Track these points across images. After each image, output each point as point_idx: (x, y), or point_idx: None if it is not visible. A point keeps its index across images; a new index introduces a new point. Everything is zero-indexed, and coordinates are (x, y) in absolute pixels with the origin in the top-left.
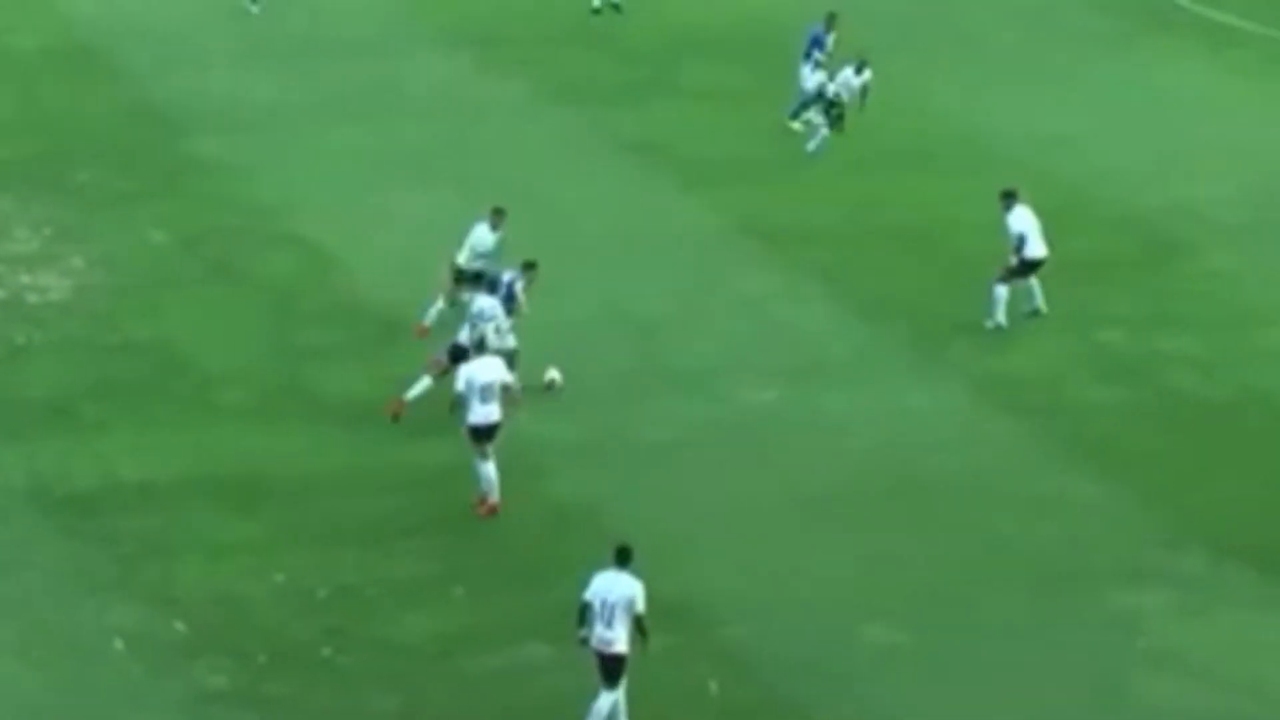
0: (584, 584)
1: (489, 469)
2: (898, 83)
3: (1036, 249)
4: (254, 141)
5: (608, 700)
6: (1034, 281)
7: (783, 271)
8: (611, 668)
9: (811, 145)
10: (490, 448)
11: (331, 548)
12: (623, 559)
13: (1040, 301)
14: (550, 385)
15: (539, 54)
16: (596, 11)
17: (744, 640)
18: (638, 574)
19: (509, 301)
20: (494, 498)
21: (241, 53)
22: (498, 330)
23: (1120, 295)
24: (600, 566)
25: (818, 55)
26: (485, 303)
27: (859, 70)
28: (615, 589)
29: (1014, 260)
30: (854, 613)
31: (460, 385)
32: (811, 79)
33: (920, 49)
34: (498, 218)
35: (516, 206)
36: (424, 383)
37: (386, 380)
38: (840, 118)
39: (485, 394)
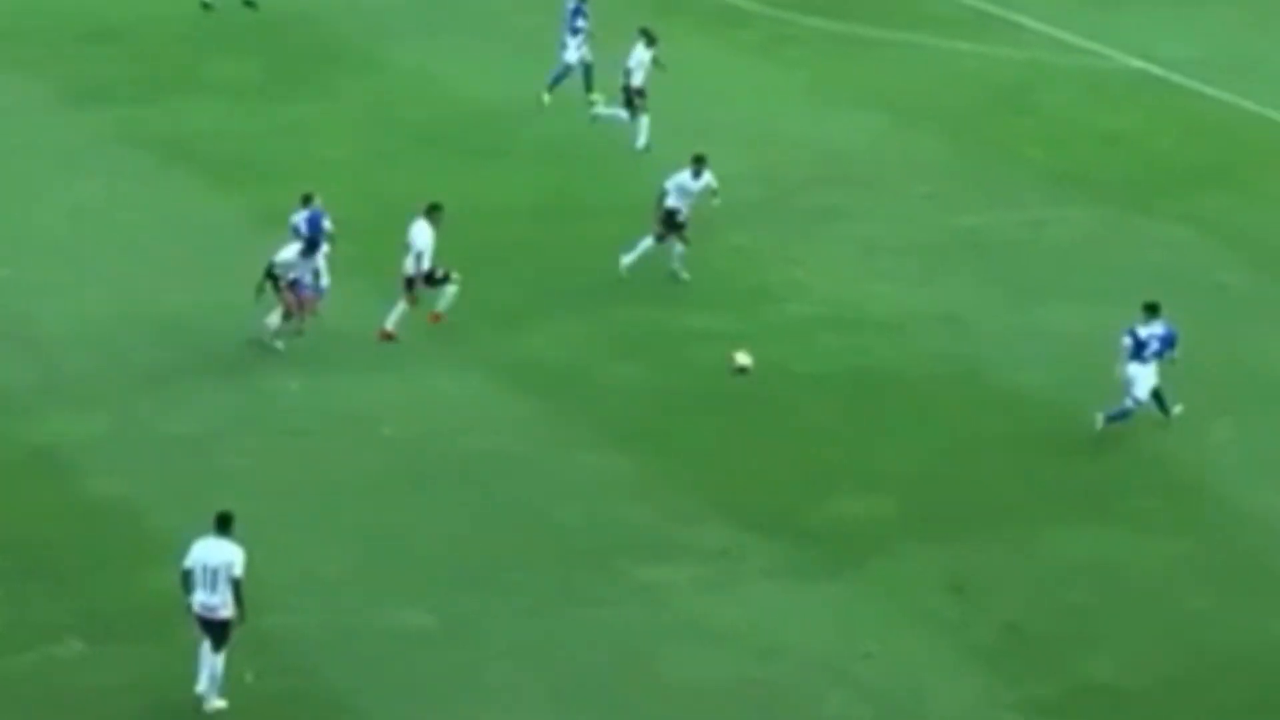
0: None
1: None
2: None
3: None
4: None
5: (215, 660)
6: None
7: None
8: (217, 633)
9: (641, 141)
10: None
11: None
12: (223, 526)
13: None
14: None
15: (60, 53)
16: (206, 6)
17: (278, 628)
18: (238, 541)
19: None
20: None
21: None
22: None
23: (640, 273)
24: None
25: (580, 25)
26: None
27: (649, 44)
28: (215, 555)
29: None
30: (385, 598)
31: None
32: (574, 51)
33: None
34: None
35: (38, 207)
36: None
37: None
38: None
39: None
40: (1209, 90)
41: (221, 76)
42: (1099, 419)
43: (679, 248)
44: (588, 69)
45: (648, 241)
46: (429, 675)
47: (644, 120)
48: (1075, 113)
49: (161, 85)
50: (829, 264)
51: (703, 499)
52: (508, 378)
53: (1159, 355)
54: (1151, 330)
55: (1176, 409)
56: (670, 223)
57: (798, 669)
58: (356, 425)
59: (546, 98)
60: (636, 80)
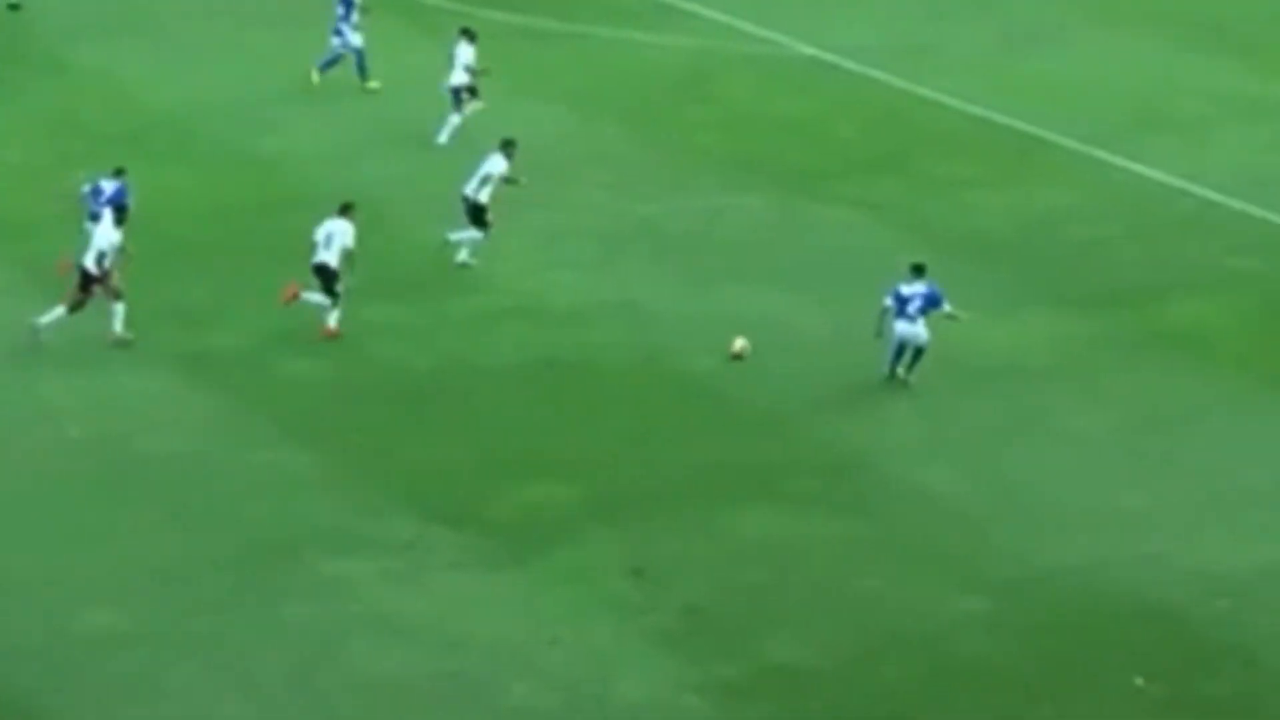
0: None
1: None
2: (94, 69)
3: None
4: None
5: None
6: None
7: (7, 266)
8: None
9: (443, 136)
10: None
11: None
12: None
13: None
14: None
15: None
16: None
17: None
18: None
19: None
20: None
21: None
22: None
23: None
24: None
25: (354, 16)
26: None
27: (471, 41)
28: None
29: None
30: (73, 599)
31: None
32: (354, 37)
33: (108, 34)
34: None
35: None
36: None
37: None
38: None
39: None
40: (882, 76)
41: None
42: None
43: (476, 235)
44: (338, 55)
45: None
46: (119, 676)
47: (455, 119)
48: (751, 101)
49: None
50: (510, 255)
51: (387, 492)
52: (191, 376)
53: (923, 313)
54: (914, 289)
55: (911, 377)
56: (473, 211)
57: (485, 658)
58: (43, 426)
59: (373, 84)
60: (460, 78)
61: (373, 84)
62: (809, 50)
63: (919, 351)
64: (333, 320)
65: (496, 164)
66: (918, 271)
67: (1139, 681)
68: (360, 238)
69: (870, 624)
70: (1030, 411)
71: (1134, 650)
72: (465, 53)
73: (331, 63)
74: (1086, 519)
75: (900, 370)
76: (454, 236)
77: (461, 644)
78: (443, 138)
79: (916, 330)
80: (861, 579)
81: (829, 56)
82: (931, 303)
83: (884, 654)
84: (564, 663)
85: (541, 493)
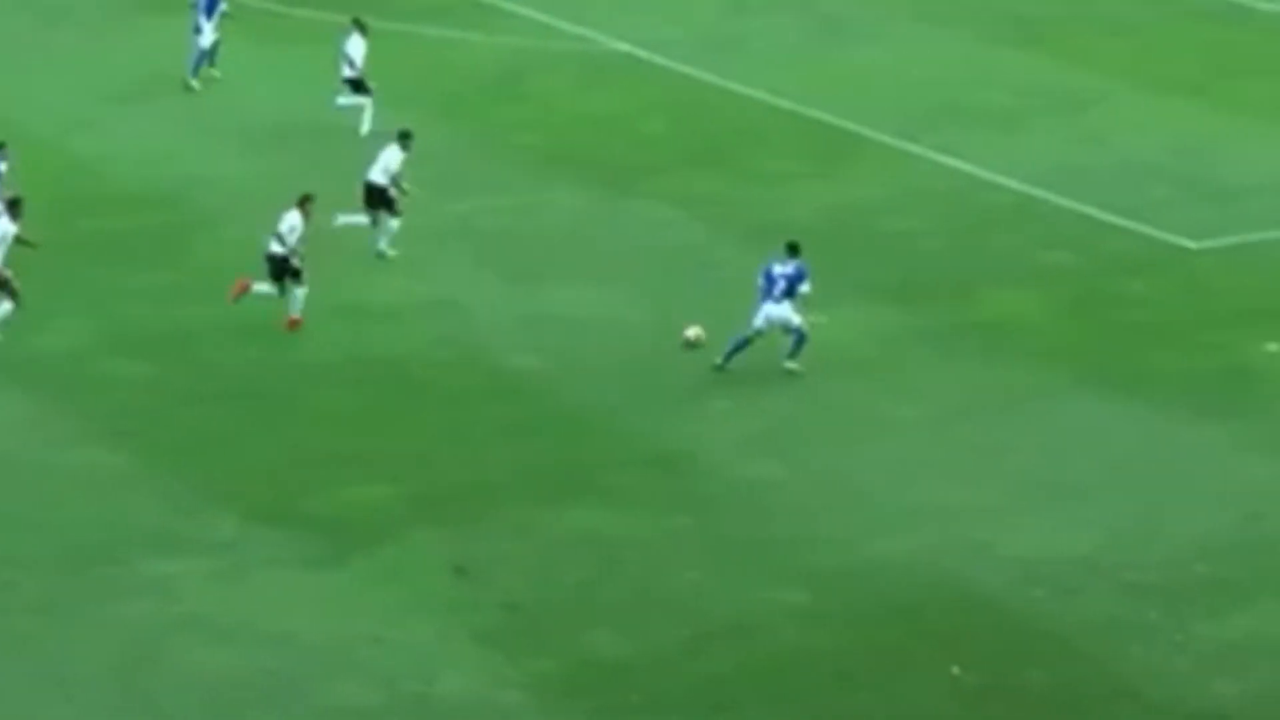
0: None
1: None
2: None
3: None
4: None
5: None
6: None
7: None
8: None
9: (365, 128)
10: None
11: None
12: None
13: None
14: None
15: None
16: None
17: None
18: None
19: None
20: None
21: None
22: None
23: (143, 270)
24: None
25: (222, 8)
26: None
27: (363, 34)
28: None
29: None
30: None
31: None
32: (209, 34)
33: None
34: None
35: None
36: None
37: None
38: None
39: None
40: (694, 72)
41: None
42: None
43: (392, 224)
44: (215, 46)
45: (361, 218)
46: None
47: (366, 102)
48: (566, 98)
49: None
50: (327, 253)
51: (208, 492)
52: (9, 377)
53: (789, 294)
54: (784, 269)
55: (796, 366)
56: (379, 200)
57: (308, 657)
58: None
59: (194, 83)
60: (352, 72)
61: (195, 83)
62: (623, 47)
63: (800, 338)
64: (296, 309)
65: (394, 155)
66: (792, 250)
67: (956, 670)
68: (179, 237)
69: (691, 616)
70: (848, 404)
71: (951, 639)
72: (357, 44)
73: (201, 61)
74: (905, 510)
75: (787, 363)
76: (343, 219)
77: (283, 642)
78: (365, 128)
79: (782, 312)
80: (682, 572)
81: (642, 53)
82: (796, 281)
83: (705, 646)
84: (386, 660)
85: (363, 491)
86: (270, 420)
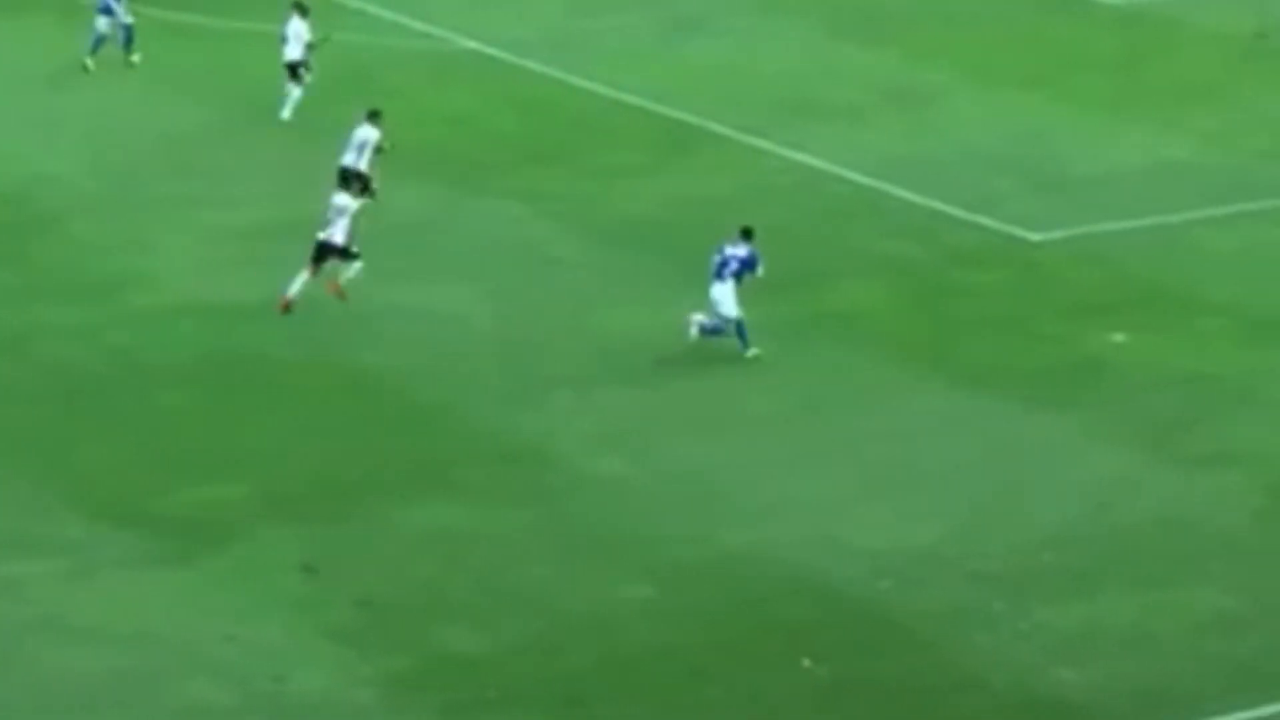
0: None
1: None
2: None
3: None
4: None
5: None
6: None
7: None
8: None
9: (285, 112)
10: None
11: None
12: None
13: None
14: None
15: None
16: None
17: None
18: None
19: None
20: None
21: None
22: None
23: None
24: None
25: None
26: None
27: (303, 16)
28: None
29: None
30: None
31: None
32: (125, 14)
33: None
34: None
35: None
36: None
37: None
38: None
39: None
40: (540, 69)
41: None
42: (693, 330)
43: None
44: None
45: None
46: None
47: (294, 93)
48: (414, 95)
49: None
50: (176, 253)
51: (57, 492)
52: None
53: (737, 276)
54: (735, 251)
55: (752, 351)
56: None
57: (159, 656)
58: None
59: (89, 62)
60: (295, 53)
61: (135, 57)
62: (470, 44)
63: (739, 325)
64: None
65: (369, 133)
66: (745, 235)
67: (806, 663)
68: (27, 237)
69: (541, 612)
70: (698, 398)
71: (801, 632)
72: (298, 28)
73: (99, 43)
74: (755, 503)
75: (744, 352)
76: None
77: (135, 642)
78: (285, 113)
79: (725, 292)
80: (533, 568)
81: (489, 50)
82: (747, 266)
83: (555, 641)
84: (238, 659)
85: (213, 490)
86: (118, 420)
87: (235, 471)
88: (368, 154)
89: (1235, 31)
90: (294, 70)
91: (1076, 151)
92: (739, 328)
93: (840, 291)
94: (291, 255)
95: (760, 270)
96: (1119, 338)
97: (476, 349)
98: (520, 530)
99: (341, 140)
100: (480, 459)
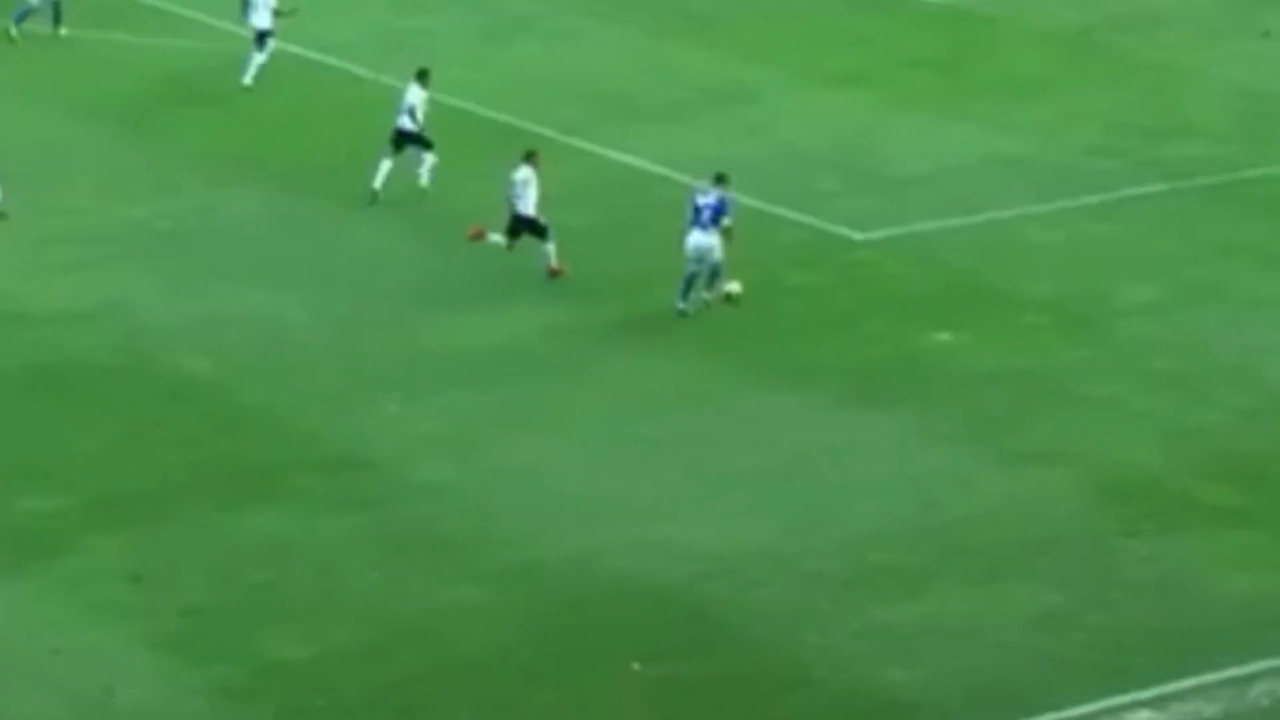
0: None
1: None
2: None
3: None
4: None
5: None
6: None
7: None
8: None
9: (247, 77)
10: None
11: None
12: None
13: None
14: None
15: None
16: None
17: None
18: None
19: None
20: None
21: None
22: None
23: None
24: None
25: None
26: None
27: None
28: None
29: None
30: None
31: None
32: None
33: None
34: None
35: None
36: None
37: None
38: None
39: None
40: (366, 73)
41: None
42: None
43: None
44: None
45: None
46: None
47: (257, 58)
48: (239, 100)
49: None
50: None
51: None
52: None
53: (714, 222)
54: (706, 199)
55: (708, 295)
56: (410, 141)
57: None
58: None
59: (14, 31)
60: (263, 22)
61: (64, 30)
62: (294, 49)
63: (714, 270)
64: (553, 259)
65: (415, 94)
66: (718, 180)
67: (636, 666)
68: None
69: (371, 618)
70: (524, 401)
71: (631, 634)
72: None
73: (26, 14)
74: (582, 506)
75: (705, 294)
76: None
77: None
78: (247, 79)
79: (710, 241)
80: (362, 573)
81: (314, 54)
82: (719, 211)
83: (386, 647)
84: (65, 671)
85: (37, 501)
86: None
87: (60, 482)
88: (419, 115)
89: (1059, 28)
90: (261, 38)
91: (902, 149)
92: (713, 270)
93: (664, 293)
94: (113, 262)
95: (729, 219)
96: (945, 336)
97: (302, 354)
98: (348, 535)
99: (159, 147)
100: (307, 464)
